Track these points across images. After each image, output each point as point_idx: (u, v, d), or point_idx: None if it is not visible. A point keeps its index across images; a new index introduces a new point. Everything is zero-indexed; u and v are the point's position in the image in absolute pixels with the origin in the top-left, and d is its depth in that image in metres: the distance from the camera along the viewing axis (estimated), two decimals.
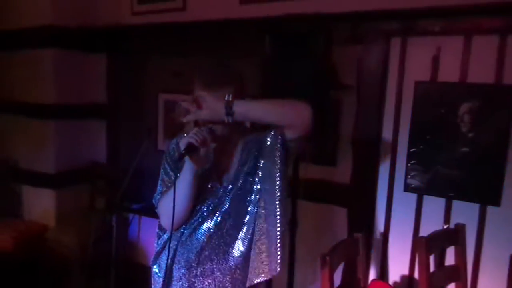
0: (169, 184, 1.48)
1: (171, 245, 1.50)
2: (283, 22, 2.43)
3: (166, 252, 1.50)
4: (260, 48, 2.20)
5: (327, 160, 2.53)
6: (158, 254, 1.58)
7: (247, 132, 1.56)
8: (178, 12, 2.87)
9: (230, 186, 1.48)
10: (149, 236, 3.18)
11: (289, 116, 1.39)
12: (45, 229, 3.09)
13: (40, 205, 3.20)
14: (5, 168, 3.25)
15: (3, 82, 3.22)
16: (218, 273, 1.48)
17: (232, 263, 1.48)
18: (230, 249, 1.48)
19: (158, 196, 1.53)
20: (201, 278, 1.49)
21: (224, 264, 1.48)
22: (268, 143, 1.45)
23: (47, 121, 3.10)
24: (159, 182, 1.55)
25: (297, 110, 1.38)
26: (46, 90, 3.07)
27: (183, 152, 1.34)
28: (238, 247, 1.48)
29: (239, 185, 1.48)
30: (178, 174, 1.43)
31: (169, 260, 1.50)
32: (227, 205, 1.48)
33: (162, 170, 1.55)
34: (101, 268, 2.78)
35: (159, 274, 1.57)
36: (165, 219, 1.49)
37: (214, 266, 1.48)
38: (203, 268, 1.48)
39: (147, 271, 1.69)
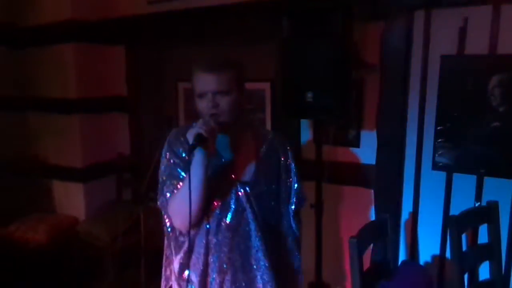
0: (178, 184, 1.40)
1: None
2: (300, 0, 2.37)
3: (198, 256, 1.44)
4: (278, 30, 2.16)
5: (351, 141, 2.49)
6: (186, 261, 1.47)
7: (263, 132, 1.59)
8: None
9: (248, 187, 1.44)
10: None
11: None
12: (76, 222, 3.18)
13: (70, 198, 3.28)
14: (36, 164, 3.34)
15: (29, 79, 3.30)
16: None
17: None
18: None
19: (165, 199, 1.43)
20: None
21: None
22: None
23: (72, 116, 3.16)
24: (164, 183, 1.44)
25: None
26: (69, 84, 3.12)
27: (194, 143, 1.28)
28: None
29: (259, 189, 1.45)
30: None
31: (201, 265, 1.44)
32: (248, 207, 1.44)
33: (165, 170, 1.45)
34: (131, 258, 2.83)
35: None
36: (180, 219, 1.38)
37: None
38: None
39: None
